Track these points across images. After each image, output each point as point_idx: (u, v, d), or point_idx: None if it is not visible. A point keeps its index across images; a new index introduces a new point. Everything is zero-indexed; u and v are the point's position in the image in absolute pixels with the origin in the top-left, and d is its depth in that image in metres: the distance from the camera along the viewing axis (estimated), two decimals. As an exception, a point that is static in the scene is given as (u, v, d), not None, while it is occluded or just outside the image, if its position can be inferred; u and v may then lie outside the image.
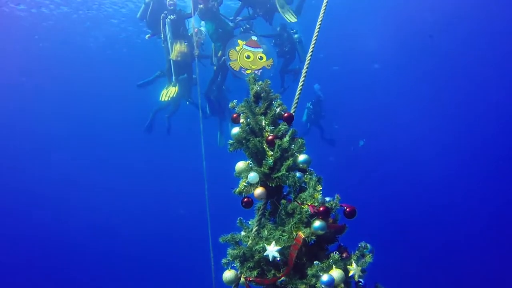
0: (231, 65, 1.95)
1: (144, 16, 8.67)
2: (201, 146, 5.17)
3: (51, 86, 22.18)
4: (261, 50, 1.99)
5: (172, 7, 7.98)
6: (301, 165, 1.91)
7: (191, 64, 8.09)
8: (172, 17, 7.92)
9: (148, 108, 10.57)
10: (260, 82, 1.95)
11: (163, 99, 7.77)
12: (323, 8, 2.44)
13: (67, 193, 23.78)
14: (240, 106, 1.96)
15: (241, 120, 1.95)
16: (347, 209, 1.80)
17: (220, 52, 7.85)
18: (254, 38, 1.99)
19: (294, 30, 9.55)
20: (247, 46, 1.97)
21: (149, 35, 8.35)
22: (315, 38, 2.37)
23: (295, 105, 2.21)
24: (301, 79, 2.30)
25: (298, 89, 2.24)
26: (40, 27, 17.63)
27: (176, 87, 7.69)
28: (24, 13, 16.38)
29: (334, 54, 20.28)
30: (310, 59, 2.37)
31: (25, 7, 15.80)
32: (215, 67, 7.95)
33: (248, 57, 1.97)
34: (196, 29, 7.77)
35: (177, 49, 7.76)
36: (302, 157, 1.90)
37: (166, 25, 7.92)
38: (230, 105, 1.97)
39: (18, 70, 20.28)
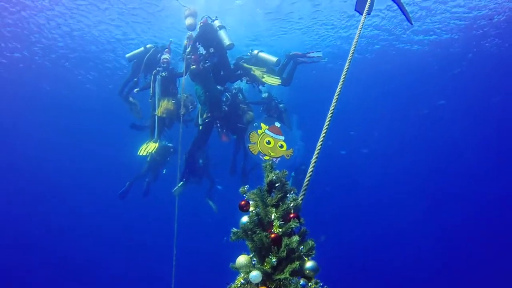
0: (250, 148, 1.83)
1: (134, 58, 8.67)
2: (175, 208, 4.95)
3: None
4: (282, 138, 1.89)
5: (165, 65, 8.04)
6: (307, 272, 1.72)
7: (175, 123, 7.98)
8: (164, 74, 7.94)
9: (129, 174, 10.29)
10: (277, 171, 1.82)
11: (141, 154, 7.46)
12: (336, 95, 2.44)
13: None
14: (251, 193, 1.80)
15: (250, 209, 1.78)
16: None
17: (205, 114, 7.80)
18: (277, 124, 1.90)
19: (279, 100, 9.70)
20: (269, 131, 1.87)
21: (138, 89, 8.30)
22: (327, 126, 2.32)
23: (302, 196, 2.07)
24: (310, 170, 2.19)
25: (305, 183, 2.11)
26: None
27: (157, 144, 7.46)
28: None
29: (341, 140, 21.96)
30: (319, 149, 2.29)
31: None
32: (200, 127, 7.85)
33: (269, 142, 1.85)
34: (186, 95, 7.80)
35: (164, 106, 7.66)
36: (309, 264, 1.71)
37: (157, 81, 7.90)
38: (240, 190, 1.80)
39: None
